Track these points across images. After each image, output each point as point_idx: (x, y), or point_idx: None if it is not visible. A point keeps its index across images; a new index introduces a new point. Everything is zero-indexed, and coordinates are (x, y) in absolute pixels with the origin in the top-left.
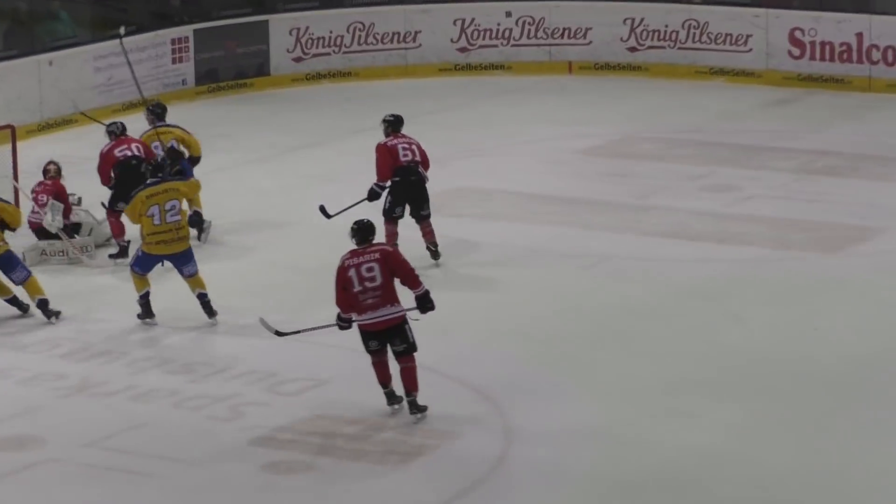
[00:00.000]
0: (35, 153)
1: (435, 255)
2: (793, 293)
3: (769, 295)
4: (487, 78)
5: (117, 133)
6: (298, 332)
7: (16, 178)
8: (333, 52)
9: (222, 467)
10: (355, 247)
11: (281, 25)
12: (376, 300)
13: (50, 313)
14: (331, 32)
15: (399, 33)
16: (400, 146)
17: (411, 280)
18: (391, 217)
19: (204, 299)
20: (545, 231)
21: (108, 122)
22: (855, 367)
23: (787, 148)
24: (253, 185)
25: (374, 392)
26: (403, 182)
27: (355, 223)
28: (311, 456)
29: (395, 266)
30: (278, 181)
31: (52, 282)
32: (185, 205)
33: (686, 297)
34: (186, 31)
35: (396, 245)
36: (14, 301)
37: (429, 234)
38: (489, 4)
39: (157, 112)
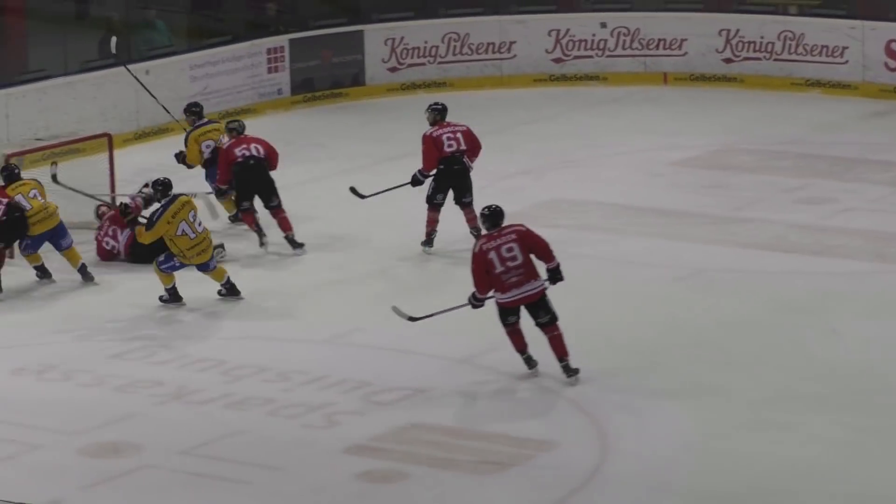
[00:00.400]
0: (131, 161)
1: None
2: (890, 307)
3: (866, 308)
4: (582, 89)
5: (239, 131)
6: (432, 315)
7: (112, 185)
8: (428, 62)
9: (317, 476)
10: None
11: (376, 35)
12: (520, 278)
13: (89, 276)
14: (426, 42)
15: (494, 44)
16: (445, 136)
17: (547, 254)
18: (433, 204)
19: (228, 283)
20: (640, 242)
21: (230, 120)
22: None
23: (884, 160)
24: (346, 195)
25: (468, 401)
26: (447, 171)
27: (485, 209)
28: (405, 465)
29: (532, 243)
30: (372, 191)
31: (147, 288)
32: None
33: (782, 309)
34: (282, 40)
35: (436, 231)
36: (41, 268)
37: (472, 220)
38: (584, 15)
39: (195, 111)
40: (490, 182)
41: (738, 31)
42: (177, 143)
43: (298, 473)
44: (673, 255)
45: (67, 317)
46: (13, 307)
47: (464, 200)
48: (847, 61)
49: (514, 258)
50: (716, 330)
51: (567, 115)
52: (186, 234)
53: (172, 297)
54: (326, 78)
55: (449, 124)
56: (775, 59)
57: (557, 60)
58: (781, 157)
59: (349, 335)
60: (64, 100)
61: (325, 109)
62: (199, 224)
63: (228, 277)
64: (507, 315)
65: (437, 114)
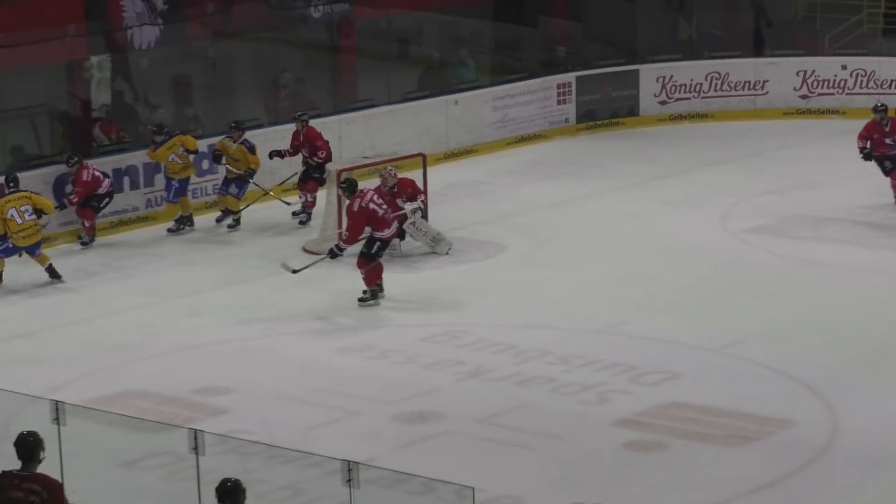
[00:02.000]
0: (441, 177)
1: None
2: None
3: None
4: (824, 121)
5: (306, 121)
6: (307, 266)
7: (425, 194)
8: (693, 97)
9: (590, 444)
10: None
11: (649, 74)
12: (390, 213)
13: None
14: (691, 80)
15: (749, 82)
16: None
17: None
18: None
19: (50, 268)
20: (871, 253)
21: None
22: None
23: None
24: (619, 209)
25: (720, 384)
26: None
27: (343, 182)
28: (665, 437)
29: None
30: (640, 205)
31: (444, 279)
32: None
33: None
34: (570, 77)
35: None
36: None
37: None
38: (828, 59)
39: (12, 180)
40: (743, 199)
41: None
42: (478, 162)
43: (574, 442)
44: None
45: (384, 305)
46: (338, 298)
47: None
48: None
49: (383, 203)
50: None
51: (811, 144)
52: (14, 219)
53: None
54: (606, 109)
55: None
56: None
57: (804, 97)
58: None
59: (618, 327)
60: (387, 125)
61: (604, 136)
62: (29, 215)
63: (51, 264)
64: (383, 250)
65: None
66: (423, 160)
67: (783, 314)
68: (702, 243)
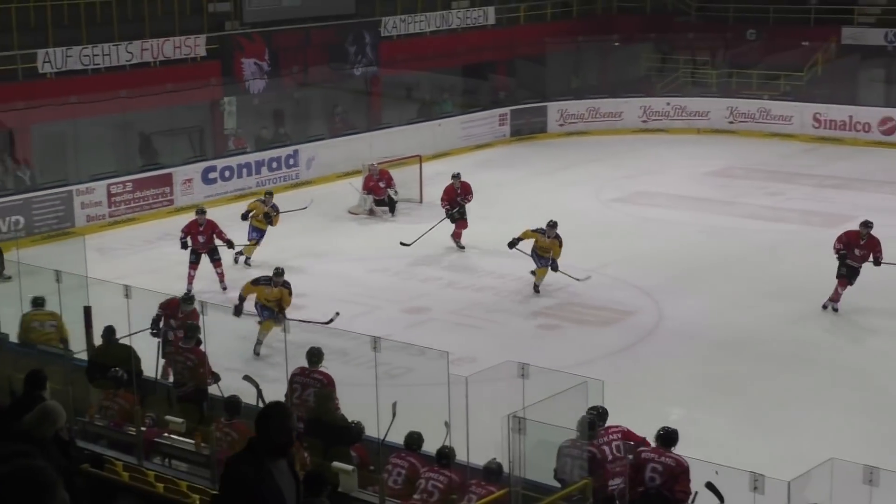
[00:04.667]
0: (430, 169)
1: None
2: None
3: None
4: (656, 136)
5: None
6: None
7: (421, 182)
8: (579, 121)
9: (517, 326)
10: None
11: (553, 108)
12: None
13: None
14: (578, 111)
15: (612, 112)
16: None
17: None
18: None
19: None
20: (683, 213)
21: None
22: None
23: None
24: (535, 187)
25: (596, 289)
26: None
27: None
28: (562, 322)
29: None
30: (548, 185)
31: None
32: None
33: (760, 251)
34: (506, 110)
35: None
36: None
37: None
38: (658, 99)
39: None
40: (608, 181)
41: (738, 106)
42: (454, 160)
43: (507, 324)
44: (699, 220)
45: (396, 246)
46: (369, 241)
47: None
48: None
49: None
50: (720, 259)
51: (648, 150)
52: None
53: None
54: (527, 128)
55: None
56: (756, 122)
57: (644, 121)
58: (755, 172)
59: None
60: (399, 138)
61: (526, 144)
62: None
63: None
64: None
65: None
66: (420, 159)
67: (631, 249)
68: (584, 207)
